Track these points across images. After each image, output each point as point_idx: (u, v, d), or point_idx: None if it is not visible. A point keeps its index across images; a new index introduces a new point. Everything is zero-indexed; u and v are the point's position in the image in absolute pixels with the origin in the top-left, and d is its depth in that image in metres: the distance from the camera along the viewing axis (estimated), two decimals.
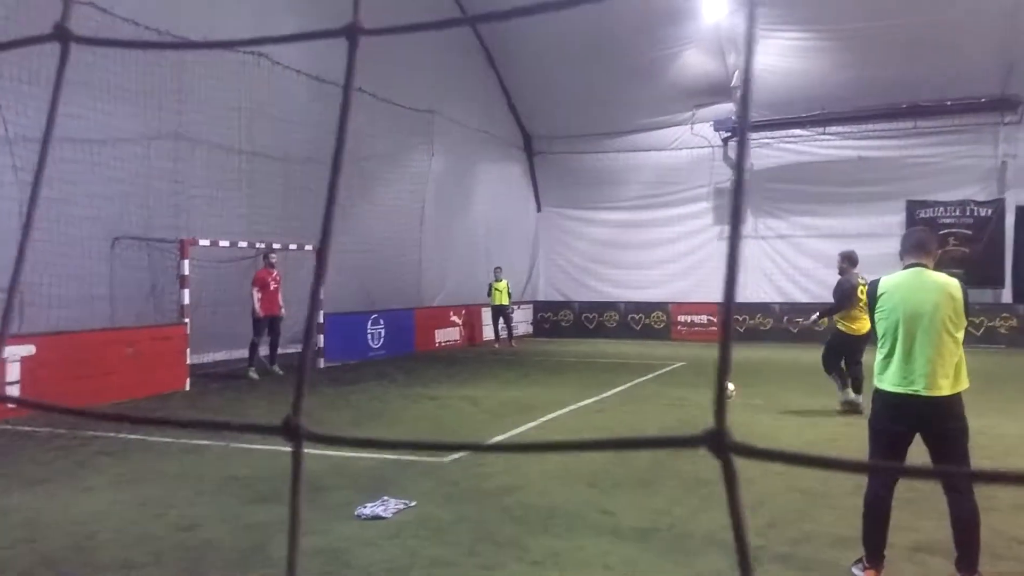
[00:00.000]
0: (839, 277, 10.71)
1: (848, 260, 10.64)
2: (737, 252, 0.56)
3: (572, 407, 11.25)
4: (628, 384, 13.61)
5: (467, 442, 7.59)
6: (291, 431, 0.58)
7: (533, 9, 0.69)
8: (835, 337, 10.70)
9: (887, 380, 4.57)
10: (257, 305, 13.95)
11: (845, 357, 10.58)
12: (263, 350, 14.49)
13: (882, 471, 5.11)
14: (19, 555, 5.28)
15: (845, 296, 10.39)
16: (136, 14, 12.56)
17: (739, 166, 0.52)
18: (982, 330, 19.44)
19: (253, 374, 13.97)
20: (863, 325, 10.05)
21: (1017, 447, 8.46)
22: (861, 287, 9.86)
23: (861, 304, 9.85)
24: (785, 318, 22.37)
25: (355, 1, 0.63)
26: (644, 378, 14.45)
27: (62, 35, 0.72)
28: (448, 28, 0.61)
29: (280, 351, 14.98)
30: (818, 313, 11.55)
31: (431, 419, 10.53)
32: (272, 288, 14.19)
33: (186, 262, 13.03)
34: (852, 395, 10.46)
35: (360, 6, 0.62)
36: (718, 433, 0.55)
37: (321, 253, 0.59)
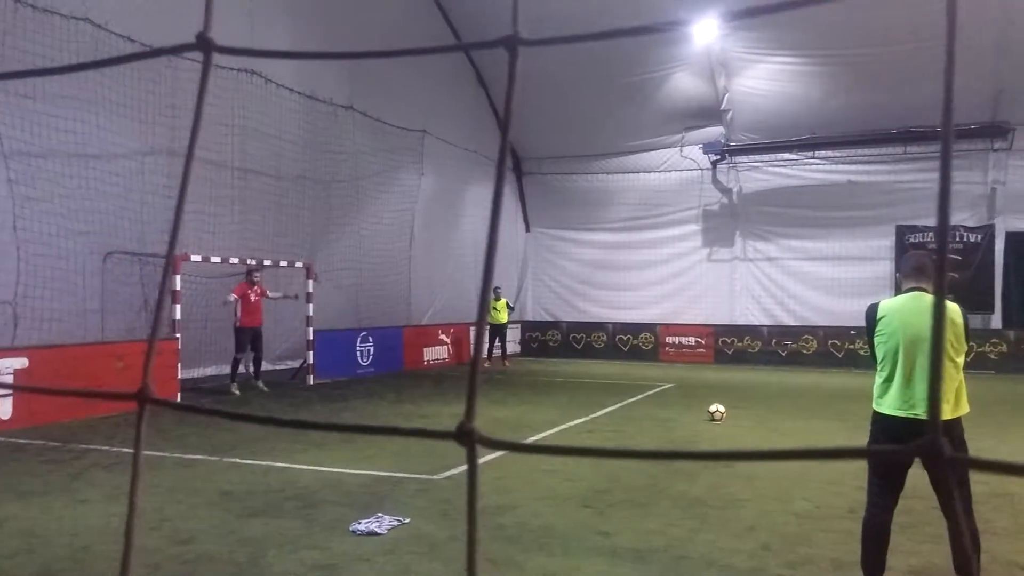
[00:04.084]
0: None
1: None
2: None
3: (563, 427, 11.26)
4: (617, 405, 13.62)
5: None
6: (465, 435, 0.60)
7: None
8: None
9: (887, 404, 4.60)
10: (238, 313, 13.98)
11: None
12: (244, 366, 14.44)
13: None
14: (19, 564, 5.29)
15: None
16: (131, 31, 12.61)
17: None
18: (972, 355, 19.58)
19: (235, 390, 13.92)
20: None
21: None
22: None
23: None
24: (773, 341, 22.49)
25: (514, 13, 0.66)
26: (633, 399, 14.48)
27: (205, 44, 0.75)
28: (611, 39, 0.64)
29: (275, 367, 14.90)
30: None
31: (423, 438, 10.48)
32: (253, 300, 14.16)
33: (178, 277, 13.01)
34: None
35: (517, 18, 0.66)
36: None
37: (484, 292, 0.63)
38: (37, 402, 10.45)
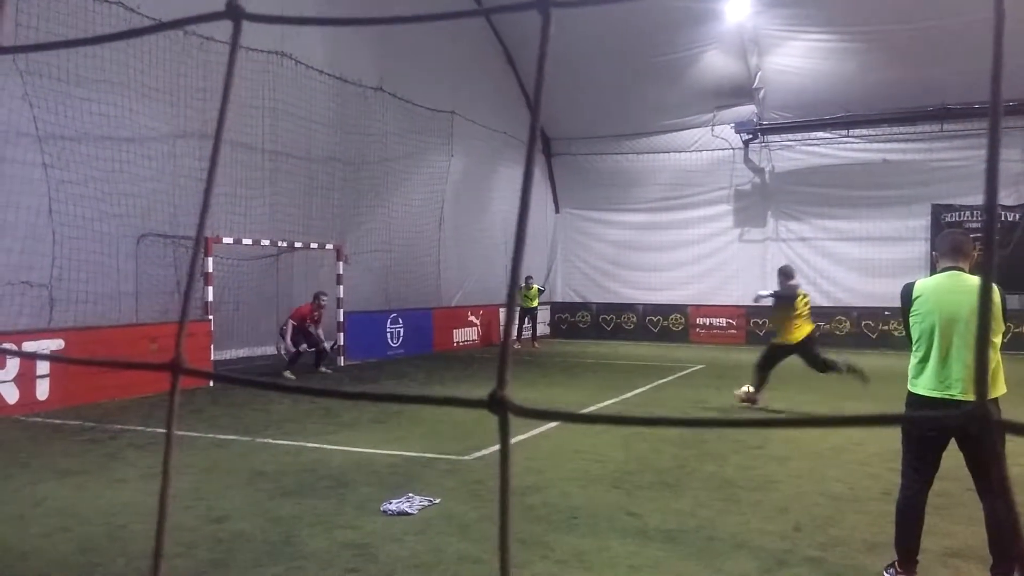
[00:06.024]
0: None
1: None
2: None
3: (592, 408, 11.25)
4: (648, 386, 13.59)
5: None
6: (497, 404, 0.60)
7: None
8: None
9: (922, 384, 4.53)
10: (289, 336, 13.83)
11: None
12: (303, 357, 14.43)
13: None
14: (56, 543, 5.40)
15: None
16: (163, 14, 12.68)
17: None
18: (1009, 336, 19.18)
19: (289, 374, 13.79)
20: None
21: None
22: None
23: None
24: None
25: None
26: (663, 380, 14.43)
27: (234, 13, 0.74)
28: None
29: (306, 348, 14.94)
30: None
31: (451, 419, 10.54)
32: (308, 326, 14.09)
33: (210, 259, 13.13)
34: None
35: None
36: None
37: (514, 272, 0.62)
38: (73, 383, 10.64)
